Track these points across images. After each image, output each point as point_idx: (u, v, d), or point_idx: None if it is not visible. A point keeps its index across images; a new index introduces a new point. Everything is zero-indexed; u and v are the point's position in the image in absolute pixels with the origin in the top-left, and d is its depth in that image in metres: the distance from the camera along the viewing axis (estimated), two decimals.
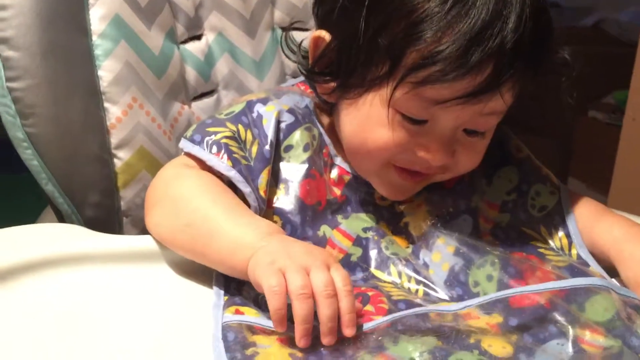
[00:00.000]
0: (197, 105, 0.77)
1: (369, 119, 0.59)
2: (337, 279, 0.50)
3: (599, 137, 1.87)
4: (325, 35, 0.61)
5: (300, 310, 0.48)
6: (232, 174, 0.58)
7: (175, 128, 0.73)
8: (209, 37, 0.79)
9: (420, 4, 0.54)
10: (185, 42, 0.76)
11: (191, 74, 0.76)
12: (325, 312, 0.48)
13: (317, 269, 0.50)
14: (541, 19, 0.56)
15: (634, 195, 1.48)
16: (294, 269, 0.49)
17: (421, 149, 0.58)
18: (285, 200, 0.61)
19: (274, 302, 0.48)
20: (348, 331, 0.49)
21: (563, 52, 0.61)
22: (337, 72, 0.60)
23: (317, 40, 0.62)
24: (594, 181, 1.79)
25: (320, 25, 0.63)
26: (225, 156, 0.58)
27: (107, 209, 0.68)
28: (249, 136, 0.61)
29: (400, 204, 0.65)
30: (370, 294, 0.56)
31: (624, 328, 0.51)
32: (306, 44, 0.65)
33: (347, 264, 0.61)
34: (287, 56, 0.70)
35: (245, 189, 0.58)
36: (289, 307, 0.49)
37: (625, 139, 1.49)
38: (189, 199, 0.57)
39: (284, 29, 0.83)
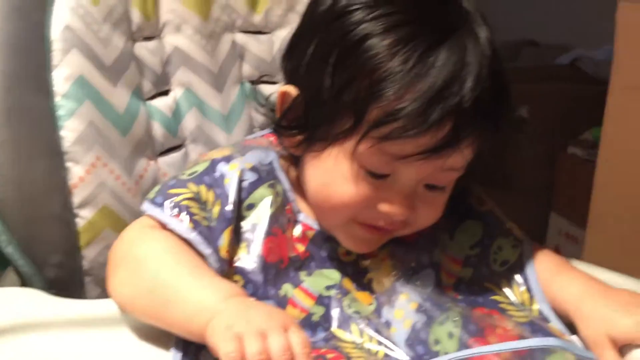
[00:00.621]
0: (164, 160, 0.77)
1: (333, 173, 0.59)
2: (295, 342, 0.50)
3: (579, 173, 1.89)
4: (292, 90, 0.62)
5: None
6: (192, 236, 0.58)
7: (140, 184, 0.73)
8: (176, 93, 0.79)
9: (383, 63, 0.55)
10: (152, 98, 0.77)
11: (158, 129, 0.76)
12: None
13: (275, 333, 0.50)
14: (498, 79, 0.58)
15: (609, 233, 1.49)
16: (251, 334, 0.49)
17: (384, 202, 0.59)
18: (247, 259, 0.61)
19: None
20: None
21: (521, 111, 0.63)
22: (303, 126, 0.61)
23: (284, 95, 0.63)
24: (575, 216, 1.81)
25: (288, 80, 0.65)
26: (187, 218, 0.58)
27: (69, 268, 0.68)
28: (211, 197, 0.61)
29: (364, 259, 0.65)
30: (329, 356, 0.56)
31: None
32: (274, 98, 0.66)
33: (309, 323, 0.60)
34: (256, 110, 0.71)
35: (206, 250, 0.58)
36: None
37: (599, 178, 1.51)
38: (150, 262, 0.57)
39: (252, 82, 0.84)
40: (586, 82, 2.17)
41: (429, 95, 0.54)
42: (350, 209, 0.60)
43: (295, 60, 0.63)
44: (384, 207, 0.59)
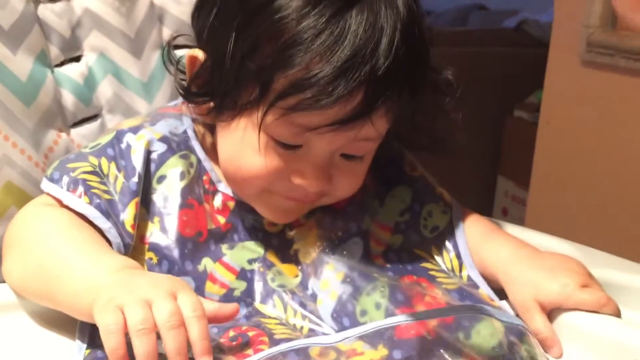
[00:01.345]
0: (77, 131, 0.73)
1: (241, 144, 0.56)
2: (185, 306, 0.46)
3: (525, 136, 1.91)
4: (200, 54, 0.58)
5: (141, 348, 0.44)
6: (88, 211, 0.55)
7: (51, 158, 0.68)
8: (89, 59, 0.74)
9: (290, 29, 0.52)
10: (60, 64, 0.72)
11: (69, 98, 0.71)
12: (171, 345, 0.45)
13: (161, 299, 0.46)
14: (415, 42, 0.54)
15: (551, 195, 1.50)
16: (133, 303, 0.45)
17: (296, 175, 0.56)
18: (160, 234, 0.58)
19: (109, 342, 0.44)
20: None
21: (446, 73, 0.60)
22: (212, 93, 0.57)
23: (192, 59, 0.59)
24: (522, 178, 1.82)
25: (196, 42, 0.60)
26: (82, 192, 0.55)
27: None
28: (113, 169, 0.57)
29: (290, 230, 0.62)
30: (250, 334, 0.53)
31: (508, 356, 0.50)
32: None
33: (230, 299, 0.58)
34: (169, 71, 0.66)
35: (104, 224, 0.55)
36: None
37: (541, 141, 1.52)
38: (40, 241, 0.54)
39: (175, 47, 0.79)
40: (532, 46, 2.18)
41: (338, 64, 0.51)
42: (262, 181, 0.57)
43: (202, 21, 0.59)
44: (297, 180, 0.56)
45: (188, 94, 0.60)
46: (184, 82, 0.60)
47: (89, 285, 0.49)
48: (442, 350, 0.50)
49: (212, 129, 0.63)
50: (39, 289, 0.53)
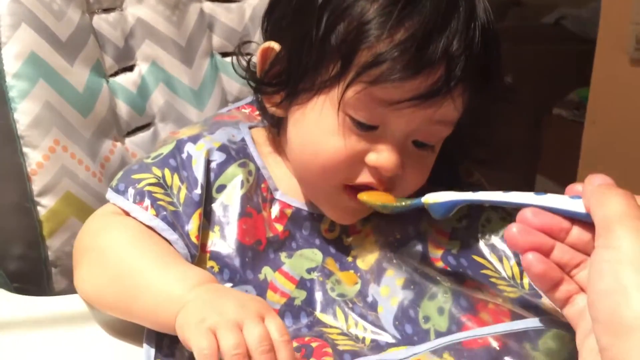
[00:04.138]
0: (131, 140, 0.73)
1: (318, 126, 0.56)
2: (273, 330, 0.47)
3: (565, 134, 1.88)
4: (275, 45, 0.59)
5: None
6: (155, 223, 0.55)
7: (107, 168, 0.69)
8: (141, 68, 0.75)
9: (372, 2, 0.53)
10: (115, 74, 0.72)
11: (123, 108, 0.72)
12: None
13: (251, 323, 0.47)
14: (489, 32, 0.56)
15: None
16: (226, 327, 0.46)
17: (372, 156, 0.56)
18: (221, 243, 0.58)
19: None
20: None
21: (507, 78, 0.59)
22: (286, 80, 0.58)
23: (266, 52, 0.60)
24: (562, 178, 1.79)
25: (268, 38, 0.61)
26: (149, 205, 0.55)
27: (32, 260, 0.64)
28: (176, 181, 0.58)
29: (347, 237, 0.61)
30: (314, 345, 0.53)
31: None
32: (254, 59, 0.62)
33: (291, 308, 0.57)
34: (238, 74, 0.67)
35: (171, 236, 0.55)
36: None
37: (587, 141, 1.49)
38: (114, 251, 0.54)
39: (224, 54, 0.80)
40: (571, 42, 2.14)
41: (421, 35, 0.52)
42: (339, 166, 0.56)
43: (280, 10, 0.60)
44: (372, 158, 0.56)
45: (262, 85, 0.60)
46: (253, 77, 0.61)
47: (169, 297, 0.50)
48: None
49: (275, 131, 0.63)
50: (114, 300, 0.53)
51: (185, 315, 0.48)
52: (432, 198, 0.53)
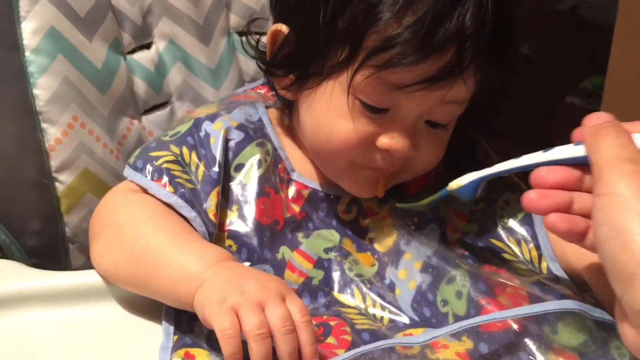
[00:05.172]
0: (148, 119, 0.73)
1: (329, 111, 0.56)
2: (294, 311, 0.47)
3: (578, 122, 1.86)
4: (283, 27, 0.58)
5: (259, 353, 0.45)
6: (173, 200, 0.55)
7: (124, 145, 0.69)
8: (159, 46, 0.74)
9: None
10: (132, 52, 0.72)
11: (140, 86, 0.72)
12: (285, 349, 0.46)
13: (273, 303, 0.47)
14: (502, 7, 0.54)
15: None
16: (248, 307, 0.46)
17: (384, 139, 0.55)
18: (239, 222, 0.58)
19: (228, 347, 0.45)
20: None
21: (524, 49, 0.58)
22: (295, 63, 0.57)
23: (275, 34, 0.59)
24: None
25: (277, 19, 0.60)
26: (167, 182, 0.55)
27: (50, 236, 0.64)
28: (194, 158, 0.58)
29: (364, 218, 0.61)
30: (332, 323, 0.52)
31: (599, 352, 0.48)
32: (264, 40, 0.62)
33: (309, 288, 0.57)
34: (249, 55, 0.66)
35: (189, 214, 0.55)
36: (244, 347, 0.45)
37: None
38: (131, 227, 0.54)
39: (241, 33, 0.79)
40: (586, 29, 2.11)
41: (430, 17, 0.50)
42: (351, 150, 0.56)
43: None
44: (384, 143, 0.55)
45: (271, 67, 0.59)
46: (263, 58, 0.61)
47: (186, 273, 0.50)
48: (529, 344, 0.48)
49: (287, 115, 0.62)
50: (132, 276, 0.53)
51: (204, 293, 0.48)
52: (456, 184, 0.53)
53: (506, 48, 0.55)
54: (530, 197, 0.45)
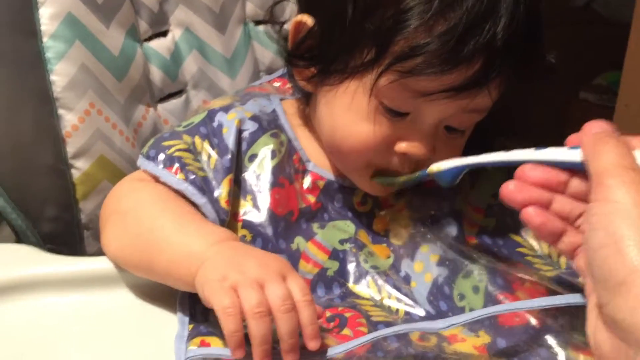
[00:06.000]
0: (163, 107, 0.73)
1: (349, 111, 0.55)
2: (295, 290, 0.47)
3: (591, 119, 1.84)
4: (308, 19, 0.58)
5: (257, 331, 0.45)
6: (184, 187, 0.55)
7: (140, 133, 0.69)
8: (175, 34, 0.74)
9: None
10: (149, 39, 0.71)
11: (156, 73, 0.71)
12: (285, 328, 0.45)
13: (272, 282, 0.46)
14: (533, 18, 0.53)
15: None
16: (248, 285, 0.46)
17: (401, 142, 0.55)
18: (254, 212, 0.57)
19: (229, 325, 0.45)
20: (312, 344, 0.46)
21: (550, 57, 0.58)
22: (318, 57, 0.57)
23: (298, 25, 0.58)
24: None
25: (303, 9, 0.60)
26: (178, 169, 0.55)
27: (65, 222, 0.64)
28: (206, 147, 0.58)
29: (380, 210, 0.61)
30: (348, 315, 0.52)
31: None
32: (287, 28, 0.61)
33: (324, 278, 0.57)
34: (271, 41, 0.66)
35: (200, 200, 0.55)
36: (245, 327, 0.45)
37: (619, 124, 1.46)
38: (137, 212, 0.54)
39: (258, 22, 0.79)
40: (600, 25, 2.10)
41: (461, 29, 0.50)
42: (368, 151, 0.56)
43: None
44: (402, 146, 0.55)
45: (293, 58, 0.59)
46: (285, 47, 0.60)
47: (188, 253, 0.50)
48: (549, 339, 0.48)
49: (305, 104, 0.62)
50: (137, 258, 0.53)
51: (205, 272, 0.48)
52: (436, 167, 0.53)
53: (534, 59, 0.55)
54: (508, 188, 0.44)
